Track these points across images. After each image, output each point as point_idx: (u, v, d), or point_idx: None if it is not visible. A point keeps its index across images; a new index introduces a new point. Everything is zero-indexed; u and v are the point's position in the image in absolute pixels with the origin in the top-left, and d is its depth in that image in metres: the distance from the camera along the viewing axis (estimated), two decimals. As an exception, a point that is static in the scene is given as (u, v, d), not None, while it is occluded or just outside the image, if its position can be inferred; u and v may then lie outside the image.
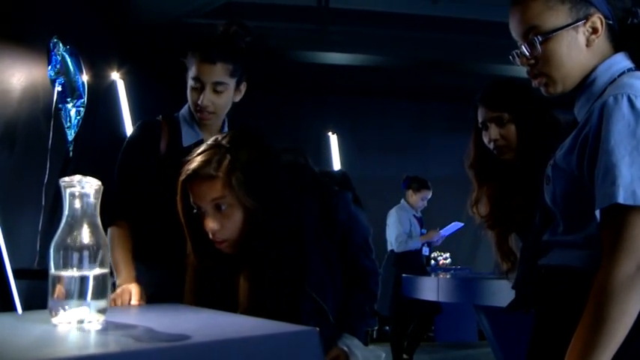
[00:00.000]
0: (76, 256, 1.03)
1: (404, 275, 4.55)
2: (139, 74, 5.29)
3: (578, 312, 1.13)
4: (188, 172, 1.45)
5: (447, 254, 5.79)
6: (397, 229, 5.05)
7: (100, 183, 1.07)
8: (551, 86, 1.28)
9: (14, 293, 2.84)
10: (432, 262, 6.18)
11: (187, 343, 0.84)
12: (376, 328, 1.87)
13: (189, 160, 1.47)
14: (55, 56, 3.45)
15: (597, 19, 1.24)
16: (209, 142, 1.51)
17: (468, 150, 1.99)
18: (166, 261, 1.70)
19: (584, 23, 1.24)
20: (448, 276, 4.42)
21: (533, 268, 1.32)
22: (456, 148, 8.15)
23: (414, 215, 5.21)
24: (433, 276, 4.36)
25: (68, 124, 3.49)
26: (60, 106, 3.51)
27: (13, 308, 2.87)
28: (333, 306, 1.60)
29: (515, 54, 1.30)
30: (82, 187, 1.05)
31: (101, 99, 4.68)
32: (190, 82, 1.85)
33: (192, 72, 1.83)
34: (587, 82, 1.26)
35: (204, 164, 1.44)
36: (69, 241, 1.03)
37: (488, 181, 1.92)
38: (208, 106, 1.84)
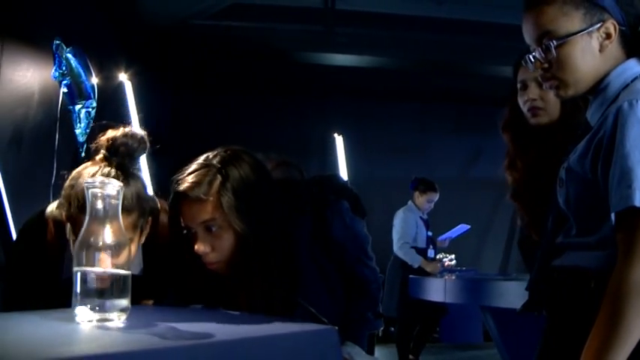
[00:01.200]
0: (98, 255, 1.05)
1: (410, 276, 4.56)
2: (146, 75, 5.31)
3: (591, 313, 1.15)
4: (178, 193, 1.42)
5: (453, 256, 5.79)
6: (402, 229, 5.05)
7: (121, 184, 1.09)
8: (563, 89, 1.30)
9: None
10: (438, 263, 6.19)
11: (211, 341, 0.86)
12: (382, 328, 1.88)
13: (179, 180, 1.43)
14: (60, 58, 3.47)
15: (611, 25, 1.26)
16: (200, 160, 1.46)
17: (503, 113, 1.93)
18: None
19: (598, 29, 1.26)
20: (454, 277, 4.43)
21: (547, 270, 1.34)
22: (460, 149, 8.21)
23: (421, 217, 5.22)
24: (439, 277, 4.37)
25: (78, 125, 3.52)
26: (69, 107, 3.53)
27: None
28: (334, 317, 1.59)
29: (528, 58, 1.32)
30: (105, 188, 1.07)
31: (109, 100, 4.70)
32: None
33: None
34: (600, 86, 1.28)
35: (194, 185, 1.39)
36: (92, 240, 1.05)
37: (522, 146, 1.86)
38: None
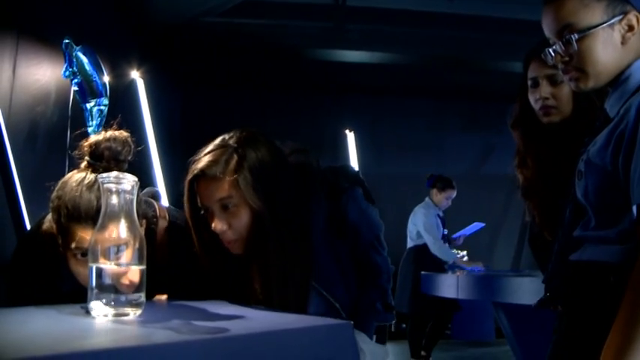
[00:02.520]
0: (113, 250, 1.06)
1: (422, 273, 4.56)
2: (158, 73, 5.33)
3: (610, 308, 1.13)
4: (195, 171, 1.43)
5: (465, 252, 5.77)
6: (430, 227, 5.03)
7: (136, 179, 1.10)
8: (583, 82, 1.28)
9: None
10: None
11: (227, 335, 0.86)
12: (394, 322, 1.86)
13: (196, 160, 1.45)
14: (69, 56, 3.48)
15: (633, 17, 1.25)
16: (216, 141, 1.49)
17: (513, 109, 1.90)
18: None
19: (620, 21, 1.24)
20: (466, 272, 4.41)
21: (564, 264, 1.33)
22: (472, 146, 8.18)
23: (438, 215, 5.21)
24: (451, 273, 4.35)
25: (91, 123, 3.53)
26: (81, 106, 3.55)
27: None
28: (347, 302, 1.60)
29: (548, 52, 1.31)
30: (120, 183, 1.07)
31: (121, 98, 4.73)
32: (71, 257, 1.38)
33: (69, 244, 1.36)
34: (621, 78, 1.26)
35: (211, 164, 1.42)
36: (107, 235, 1.06)
37: (533, 143, 1.83)
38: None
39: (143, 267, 1.08)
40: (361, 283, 1.66)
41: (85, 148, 1.37)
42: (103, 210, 1.08)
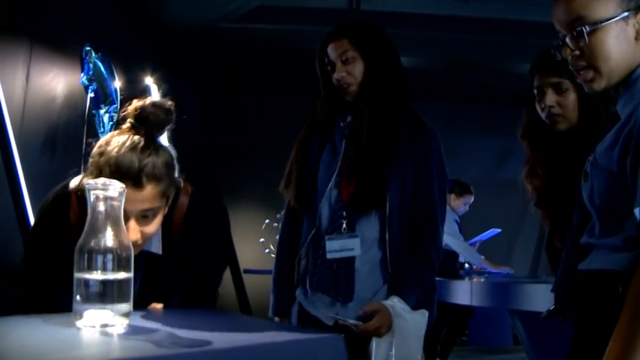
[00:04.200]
0: (100, 259, 1.03)
1: (436, 279, 4.50)
2: (172, 79, 5.35)
3: (619, 317, 1.08)
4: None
5: (482, 257, 5.70)
6: (454, 232, 4.97)
7: (123, 186, 1.07)
8: (597, 82, 1.21)
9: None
10: (466, 265, 6.11)
11: (207, 349, 0.83)
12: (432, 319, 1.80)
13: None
14: (88, 64, 3.50)
15: None
16: None
17: (521, 119, 1.89)
18: None
19: (635, 15, 1.18)
20: (482, 279, 4.35)
21: (573, 273, 1.27)
22: (489, 150, 8.08)
23: (455, 220, 5.15)
24: (467, 279, 4.29)
25: (102, 129, 3.54)
26: (93, 112, 3.56)
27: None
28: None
29: (557, 45, 1.24)
30: (106, 190, 1.05)
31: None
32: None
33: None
34: (632, 77, 1.20)
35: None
36: (93, 244, 1.03)
37: (542, 152, 1.82)
38: (139, 239, 1.44)
39: (130, 275, 1.05)
40: (411, 249, 1.70)
41: (130, 111, 1.41)
42: (89, 217, 1.05)
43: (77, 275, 1.03)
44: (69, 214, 1.51)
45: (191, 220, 1.58)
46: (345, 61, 1.81)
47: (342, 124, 1.86)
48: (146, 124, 1.39)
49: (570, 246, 1.32)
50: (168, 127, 1.44)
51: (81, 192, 1.46)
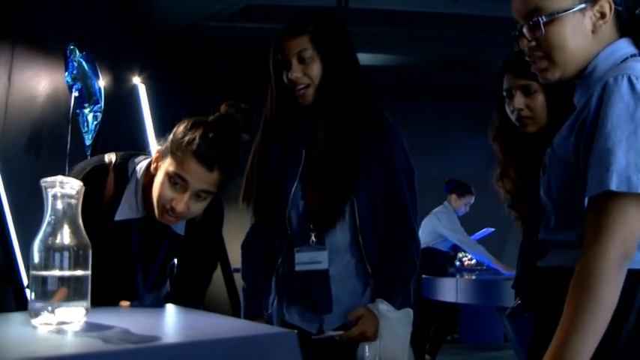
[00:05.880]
0: (57, 256, 1.03)
1: (423, 276, 4.50)
2: (159, 78, 5.33)
3: None
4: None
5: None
6: (460, 231, 4.98)
7: (81, 184, 1.07)
8: (550, 71, 1.21)
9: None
10: (457, 263, 6.11)
11: (156, 344, 0.83)
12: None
13: None
14: (72, 62, 3.48)
15: (606, 4, 1.18)
16: None
17: (492, 121, 1.88)
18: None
19: (592, 7, 1.18)
20: (473, 277, 4.36)
21: (532, 269, 1.28)
22: (479, 148, 8.03)
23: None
24: (457, 277, 4.31)
25: (85, 129, 3.53)
26: (77, 111, 3.55)
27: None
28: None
29: (515, 35, 1.24)
30: (64, 188, 1.05)
31: (122, 103, 4.72)
32: (167, 178, 1.52)
33: (176, 168, 1.51)
34: (587, 70, 1.20)
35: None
36: (50, 242, 1.03)
37: (513, 154, 1.81)
38: (183, 213, 1.54)
39: (87, 273, 1.05)
40: (391, 249, 1.68)
41: (222, 107, 1.62)
42: (46, 215, 1.05)
43: (33, 273, 1.02)
44: (104, 187, 1.60)
45: (205, 215, 1.66)
46: (301, 60, 1.70)
47: (300, 132, 1.77)
48: (237, 122, 1.59)
49: (528, 242, 1.32)
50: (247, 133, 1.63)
51: (120, 165, 1.62)
